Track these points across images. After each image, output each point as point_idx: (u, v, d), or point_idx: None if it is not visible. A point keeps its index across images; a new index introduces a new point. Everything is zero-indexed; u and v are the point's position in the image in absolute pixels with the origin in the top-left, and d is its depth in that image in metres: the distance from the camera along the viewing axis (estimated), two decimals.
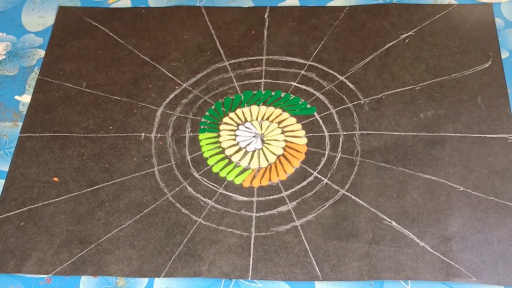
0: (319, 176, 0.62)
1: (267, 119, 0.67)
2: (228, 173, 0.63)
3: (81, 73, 0.71)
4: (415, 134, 0.64)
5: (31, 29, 0.76)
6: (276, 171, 0.63)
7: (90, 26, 0.75)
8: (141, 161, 0.64)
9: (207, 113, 0.67)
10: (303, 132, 0.65)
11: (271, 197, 0.61)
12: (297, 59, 0.71)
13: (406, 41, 0.71)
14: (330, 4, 0.76)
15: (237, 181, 0.62)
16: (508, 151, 0.62)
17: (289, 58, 0.71)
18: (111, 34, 0.74)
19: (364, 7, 0.75)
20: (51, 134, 0.66)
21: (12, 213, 0.61)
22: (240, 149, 0.65)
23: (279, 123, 0.66)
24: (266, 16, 0.75)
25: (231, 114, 0.67)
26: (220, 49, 0.72)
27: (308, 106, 0.67)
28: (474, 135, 0.64)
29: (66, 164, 0.64)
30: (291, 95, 0.68)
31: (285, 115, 0.67)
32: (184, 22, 0.75)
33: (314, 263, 0.57)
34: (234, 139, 0.66)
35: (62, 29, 0.75)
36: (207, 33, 0.74)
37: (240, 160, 0.64)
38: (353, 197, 0.60)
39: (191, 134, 0.66)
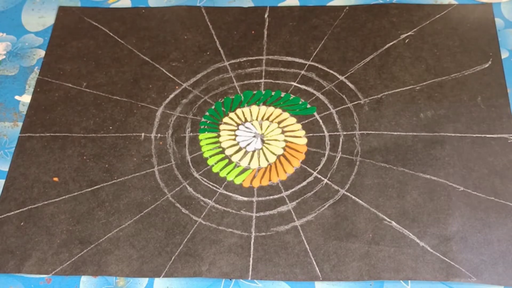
0: (319, 176, 0.62)
1: (267, 119, 0.67)
2: (228, 173, 0.63)
3: (81, 73, 0.71)
4: (415, 134, 0.64)
5: (31, 29, 0.76)
6: (276, 171, 0.63)
7: (90, 26, 0.75)
8: (141, 161, 0.64)
9: (207, 113, 0.67)
10: (303, 132, 0.65)
11: (271, 197, 0.61)
12: (297, 59, 0.71)
13: (406, 41, 0.71)
14: (330, 4, 0.76)
15: (237, 181, 0.62)
16: (508, 151, 0.62)
17: (289, 58, 0.71)
18: (111, 34, 0.74)
19: (364, 7, 0.75)
20: (51, 134, 0.66)
21: (12, 213, 0.61)
22: (240, 149, 0.65)
23: (279, 123, 0.66)
24: (266, 16, 0.75)
25: (231, 114, 0.67)
26: (220, 49, 0.72)
27: (308, 106, 0.67)
28: (474, 135, 0.64)
29: (66, 164, 0.64)
30: (291, 95, 0.68)
31: (285, 115, 0.67)
32: (184, 22, 0.75)
33: (314, 263, 0.57)
34: (234, 139, 0.66)
35: (62, 29, 0.75)
36: (207, 33, 0.74)
37: (240, 160, 0.64)
38: (353, 197, 0.60)
39: (191, 134, 0.66)
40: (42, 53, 0.73)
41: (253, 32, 0.73)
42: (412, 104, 0.66)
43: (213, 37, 0.73)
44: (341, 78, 0.69)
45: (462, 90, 0.67)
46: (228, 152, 0.65)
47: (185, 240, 0.58)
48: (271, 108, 0.67)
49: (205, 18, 0.75)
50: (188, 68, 0.71)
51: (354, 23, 0.73)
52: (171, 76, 0.70)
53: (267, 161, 0.64)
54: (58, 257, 0.58)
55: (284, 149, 0.64)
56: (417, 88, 0.67)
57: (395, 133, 0.64)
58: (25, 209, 0.61)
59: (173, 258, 0.57)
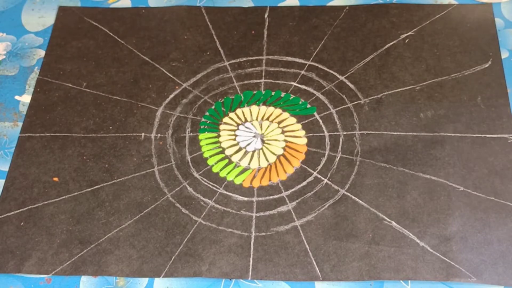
0: (319, 176, 0.62)
1: (267, 119, 0.67)
2: (228, 173, 0.63)
3: (81, 73, 0.71)
4: (415, 134, 0.64)
5: (31, 29, 0.76)
6: (276, 171, 0.63)
7: (90, 26, 0.75)
8: (141, 161, 0.64)
9: (207, 113, 0.67)
10: (303, 132, 0.65)
11: (271, 197, 0.61)
12: (297, 59, 0.71)
13: (406, 41, 0.71)
14: (330, 4, 0.76)
15: (237, 181, 0.62)
16: (508, 151, 0.62)
17: (289, 58, 0.71)
18: (111, 34, 0.74)
19: (364, 7, 0.75)
20: (51, 134, 0.66)
21: (12, 213, 0.61)
22: (240, 149, 0.65)
23: (279, 123, 0.66)
24: (266, 16, 0.75)
25: (231, 114, 0.67)
26: (220, 49, 0.72)
27: (308, 106, 0.67)
28: (474, 135, 0.64)
29: (66, 164, 0.64)
30: (291, 95, 0.68)
31: (285, 115, 0.67)
32: (184, 22, 0.75)
33: (314, 263, 0.57)
34: (234, 139, 0.66)
35: (62, 29, 0.75)
36: (207, 33, 0.74)
37: (240, 160, 0.64)
38: (353, 197, 0.60)
39: (191, 134, 0.66)
40: (42, 53, 0.73)
41: (253, 32, 0.73)
42: (412, 104, 0.66)
43: (213, 37, 0.73)
44: (341, 78, 0.69)
45: (462, 90, 0.67)
46: (228, 152, 0.65)
47: (185, 240, 0.58)
48: (271, 108, 0.67)
49: (205, 18, 0.75)
50: (188, 68, 0.71)
51: (354, 23, 0.73)
52: (171, 76, 0.70)
53: (267, 161, 0.64)
54: (58, 257, 0.58)
55: (284, 149, 0.64)
56: (417, 88, 0.67)
57: (395, 133, 0.64)
58: (25, 209, 0.61)
59: (173, 258, 0.57)
